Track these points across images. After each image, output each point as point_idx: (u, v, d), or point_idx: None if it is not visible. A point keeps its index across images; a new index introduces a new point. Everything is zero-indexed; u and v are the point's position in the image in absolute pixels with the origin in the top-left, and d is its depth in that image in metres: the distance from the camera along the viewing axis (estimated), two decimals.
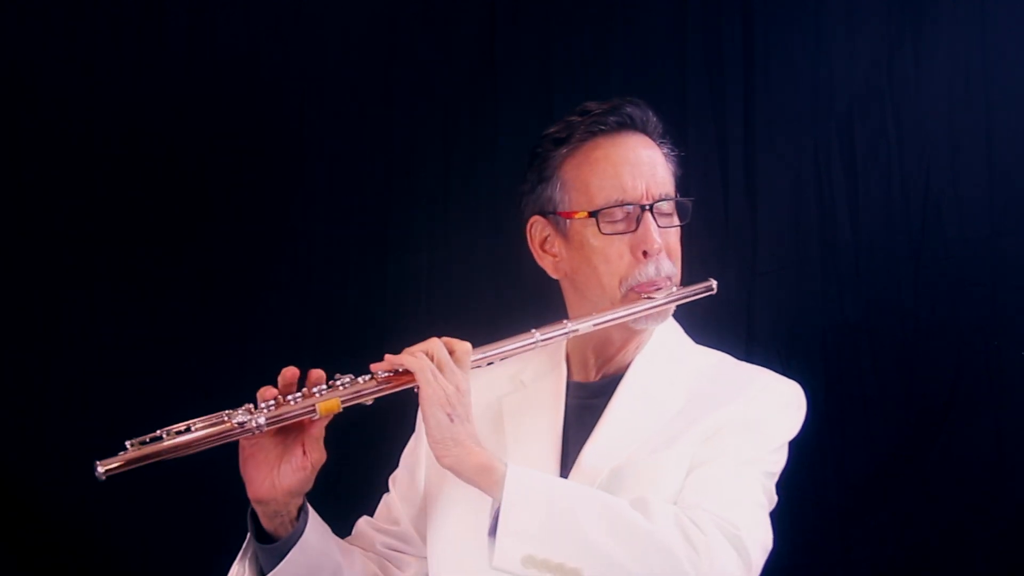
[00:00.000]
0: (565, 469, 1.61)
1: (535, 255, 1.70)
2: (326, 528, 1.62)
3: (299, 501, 1.54)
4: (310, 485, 1.53)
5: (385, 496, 1.80)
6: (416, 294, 2.69)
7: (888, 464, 2.60)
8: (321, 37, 2.71)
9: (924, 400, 2.60)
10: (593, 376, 1.69)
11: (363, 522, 1.79)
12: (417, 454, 1.76)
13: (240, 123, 2.68)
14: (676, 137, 1.69)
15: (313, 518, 1.58)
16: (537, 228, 1.68)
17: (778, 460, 1.63)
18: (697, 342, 1.76)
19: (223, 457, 2.58)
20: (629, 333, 1.65)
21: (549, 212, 1.66)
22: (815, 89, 2.67)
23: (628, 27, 2.71)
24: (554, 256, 1.67)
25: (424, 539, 1.72)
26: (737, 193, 2.67)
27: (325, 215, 2.70)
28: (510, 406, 1.70)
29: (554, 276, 1.70)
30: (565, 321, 1.59)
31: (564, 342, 1.73)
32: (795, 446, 1.65)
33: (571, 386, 1.68)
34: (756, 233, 2.67)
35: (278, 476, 1.50)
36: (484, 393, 1.58)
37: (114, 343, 2.63)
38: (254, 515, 1.55)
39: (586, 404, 1.67)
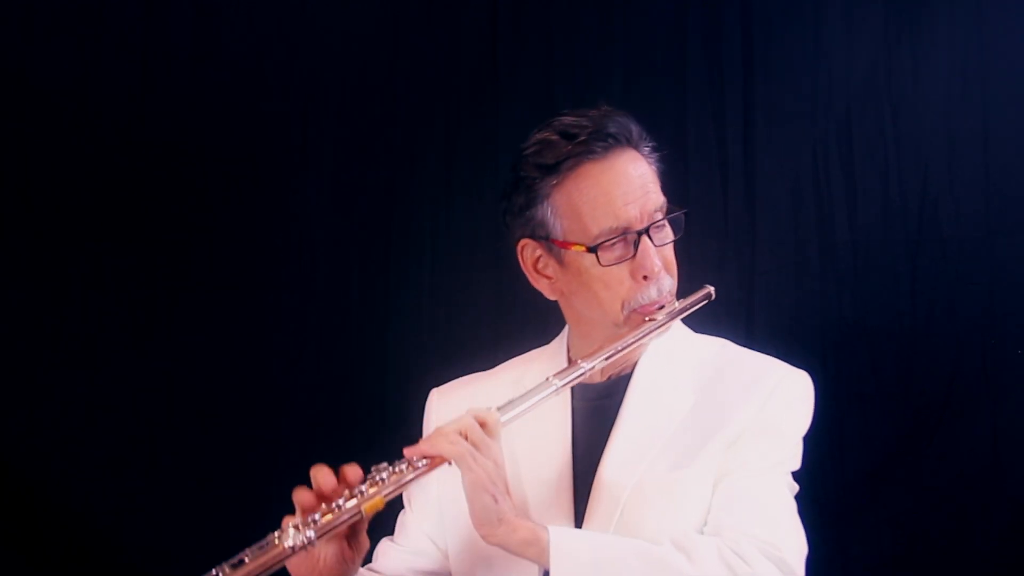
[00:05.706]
0: (578, 480, 1.61)
1: (529, 277, 1.68)
2: None
3: None
4: (356, 570, 1.52)
5: (401, 515, 1.78)
6: (418, 293, 2.70)
7: (885, 462, 2.61)
8: (324, 38, 2.71)
9: (921, 398, 2.60)
10: (599, 376, 1.68)
11: (387, 545, 1.77)
12: None
13: (243, 123, 2.69)
14: (652, 131, 1.65)
15: None
16: (529, 250, 1.66)
17: (798, 455, 1.65)
18: None
19: (227, 456, 2.61)
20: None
21: (541, 237, 1.63)
22: (813, 90, 2.68)
23: (628, 28, 2.72)
24: (549, 278, 1.66)
25: (445, 553, 1.71)
26: (736, 193, 2.68)
27: (328, 215, 2.71)
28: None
29: (551, 298, 1.68)
30: (580, 361, 1.57)
31: (565, 342, 1.74)
32: None
33: (576, 387, 1.64)
34: (755, 233, 2.67)
35: (324, 569, 1.48)
36: (487, 401, 1.55)
37: (116, 342, 2.64)
38: None
39: (594, 406, 1.66)
